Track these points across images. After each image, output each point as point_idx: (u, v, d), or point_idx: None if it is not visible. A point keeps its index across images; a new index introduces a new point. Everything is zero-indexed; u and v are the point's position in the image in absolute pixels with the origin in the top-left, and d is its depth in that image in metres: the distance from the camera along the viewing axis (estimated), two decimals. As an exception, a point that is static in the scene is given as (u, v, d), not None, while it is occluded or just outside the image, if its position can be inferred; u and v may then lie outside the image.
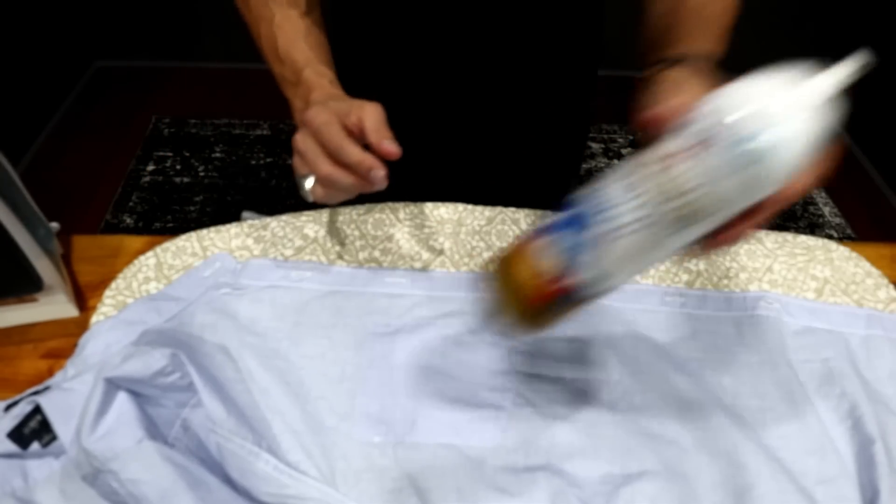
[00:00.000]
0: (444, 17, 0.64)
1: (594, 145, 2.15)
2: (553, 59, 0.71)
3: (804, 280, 0.61)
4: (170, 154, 2.07)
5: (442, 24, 0.65)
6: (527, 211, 0.66)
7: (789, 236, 0.65)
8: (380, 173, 0.45)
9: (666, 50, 0.52)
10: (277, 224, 0.63)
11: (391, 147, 0.46)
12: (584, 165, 2.06)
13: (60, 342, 0.54)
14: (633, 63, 0.61)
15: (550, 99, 0.75)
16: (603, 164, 2.11)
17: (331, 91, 0.53)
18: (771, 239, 0.65)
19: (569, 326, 0.55)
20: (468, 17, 0.64)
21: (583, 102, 0.80)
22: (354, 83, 0.66)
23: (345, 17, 0.72)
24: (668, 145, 0.34)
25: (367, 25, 0.70)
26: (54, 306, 0.56)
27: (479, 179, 0.78)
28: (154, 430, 0.44)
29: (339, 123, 0.47)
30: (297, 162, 0.52)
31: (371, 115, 0.47)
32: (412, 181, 0.74)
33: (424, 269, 0.60)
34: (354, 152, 0.46)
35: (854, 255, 0.63)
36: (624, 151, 2.14)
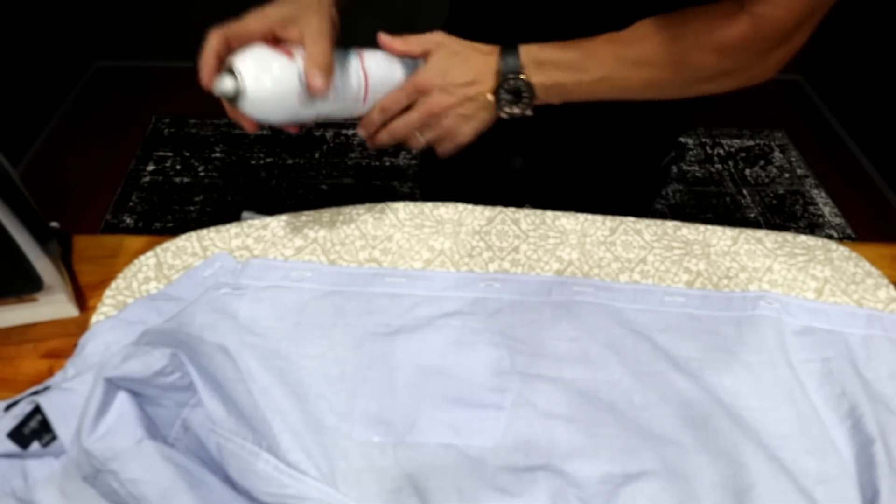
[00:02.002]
0: (556, 19, 0.62)
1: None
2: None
3: (804, 280, 0.61)
4: (170, 154, 2.07)
5: (553, 25, 0.62)
6: (527, 211, 0.66)
7: (789, 236, 0.65)
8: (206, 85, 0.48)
9: (540, 46, 0.56)
10: (277, 224, 0.63)
11: (317, 81, 0.47)
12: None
13: (60, 342, 0.54)
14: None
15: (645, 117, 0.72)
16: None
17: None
18: (771, 239, 0.65)
19: (569, 326, 0.56)
20: (578, 18, 0.62)
21: (680, 122, 0.76)
22: None
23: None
24: None
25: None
26: (54, 306, 0.56)
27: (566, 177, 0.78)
28: (154, 430, 0.44)
29: (260, 32, 0.48)
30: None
31: (312, 38, 0.48)
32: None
33: (424, 269, 0.60)
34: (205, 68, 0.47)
35: (854, 255, 0.63)
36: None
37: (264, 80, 0.47)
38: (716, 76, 0.55)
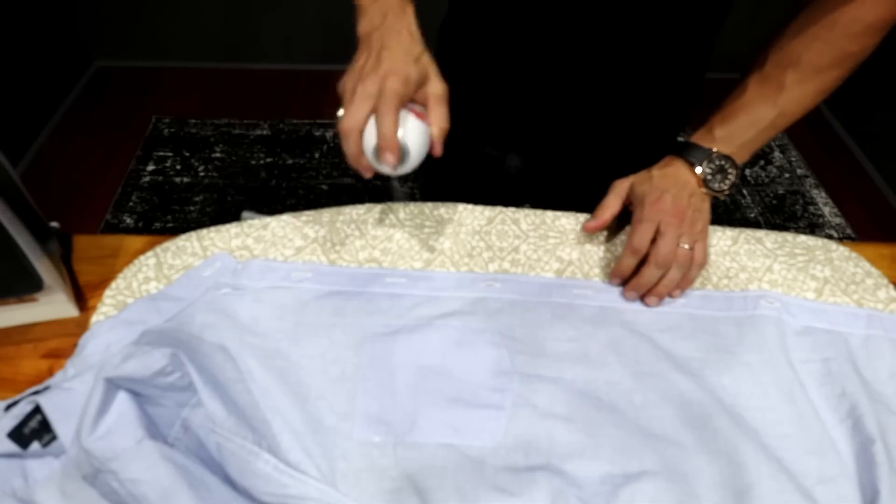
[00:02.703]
0: (557, 17, 0.63)
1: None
2: (660, 66, 0.68)
3: (804, 280, 0.61)
4: (170, 154, 2.07)
5: (559, 14, 0.63)
6: (527, 211, 0.66)
7: (789, 236, 0.65)
8: (365, 174, 0.52)
9: (708, 126, 0.61)
10: (277, 224, 0.63)
11: (440, 148, 0.52)
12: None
13: (60, 342, 0.54)
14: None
15: (649, 107, 0.73)
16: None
17: (410, 43, 0.52)
18: (771, 239, 0.65)
19: (569, 326, 0.56)
20: (579, 16, 0.63)
21: (679, 112, 0.78)
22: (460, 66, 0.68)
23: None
24: None
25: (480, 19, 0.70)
26: (54, 306, 0.56)
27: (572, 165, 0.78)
28: (154, 430, 0.44)
29: (402, 94, 0.50)
30: (346, 89, 0.53)
31: (438, 102, 0.51)
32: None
33: (424, 269, 0.60)
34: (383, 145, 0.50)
35: (854, 255, 0.63)
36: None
37: (421, 150, 0.53)
38: (868, 51, 0.58)
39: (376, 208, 0.65)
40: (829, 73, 0.58)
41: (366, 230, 0.63)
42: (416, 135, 0.52)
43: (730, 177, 0.60)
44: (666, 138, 0.78)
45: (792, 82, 0.58)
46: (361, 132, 0.50)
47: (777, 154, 2.20)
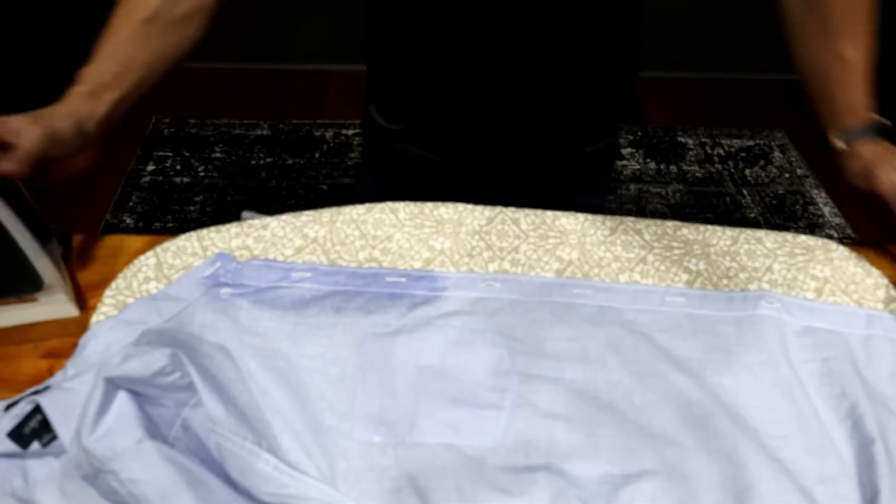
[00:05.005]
0: (480, 15, 0.64)
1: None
2: (590, 61, 0.69)
3: (804, 280, 0.61)
4: (170, 154, 2.07)
5: (485, 13, 0.64)
6: (527, 211, 0.66)
7: (789, 236, 0.65)
8: None
9: (837, 107, 0.65)
10: (277, 224, 0.63)
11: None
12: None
13: (60, 342, 0.54)
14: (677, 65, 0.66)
15: (585, 100, 0.74)
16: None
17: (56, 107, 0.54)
18: (771, 239, 0.65)
19: (569, 326, 0.56)
20: (510, 9, 0.63)
21: (618, 105, 0.79)
22: (392, 64, 0.68)
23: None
24: None
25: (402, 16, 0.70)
26: (54, 306, 0.56)
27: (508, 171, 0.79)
28: (154, 430, 0.44)
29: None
30: None
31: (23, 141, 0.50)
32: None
33: (424, 269, 0.60)
34: None
35: (854, 255, 0.63)
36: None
37: None
38: None
39: (376, 208, 0.65)
40: None
41: (366, 230, 0.63)
42: None
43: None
44: (605, 134, 0.80)
45: (850, 24, 0.62)
46: None
47: (777, 154, 2.20)
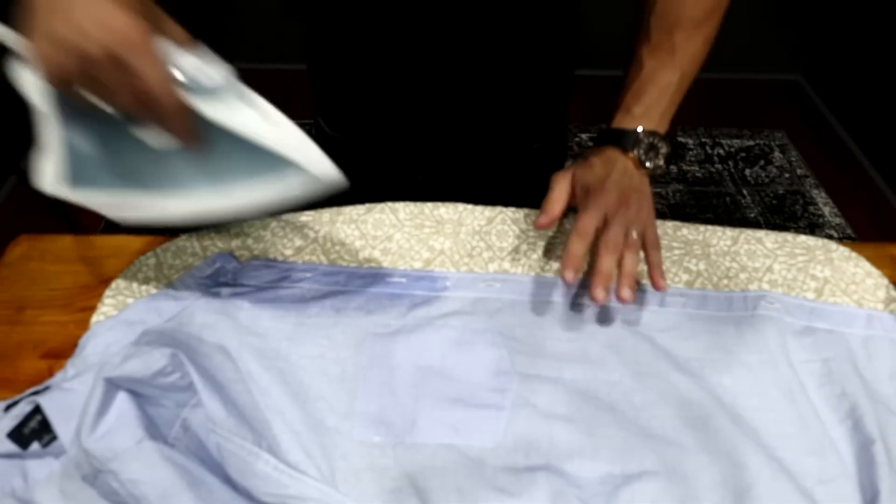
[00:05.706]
0: (421, 13, 0.64)
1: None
2: (527, 58, 0.70)
3: (804, 280, 0.61)
4: (170, 154, 2.07)
5: (418, 20, 0.65)
6: (527, 210, 0.66)
7: (789, 236, 0.65)
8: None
9: (624, 107, 0.61)
10: (277, 224, 0.63)
11: None
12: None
13: (60, 342, 0.54)
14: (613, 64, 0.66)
15: (525, 98, 0.75)
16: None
17: None
18: (771, 239, 0.65)
19: (569, 326, 0.56)
20: (444, 14, 0.64)
21: (559, 102, 0.80)
22: (331, 62, 0.69)
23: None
24: None
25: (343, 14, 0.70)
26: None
27: (455, 171, 0.80)
28: (154, 430, 0.44)
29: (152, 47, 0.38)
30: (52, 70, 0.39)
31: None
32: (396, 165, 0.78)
33: (424, 269, 0.60)
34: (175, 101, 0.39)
35: (854, 255, 0.63)
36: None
37: None
38: None
39: (376, 208, 0.65)
40: (709, 22, 0.61)
41: (366, 230, 0.63)
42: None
43: (661, 151, 0.60)
44: (552, 130, 0.81)
45: (681, 42, 0.60)
46: None
47: (777, 154, 2.21)
